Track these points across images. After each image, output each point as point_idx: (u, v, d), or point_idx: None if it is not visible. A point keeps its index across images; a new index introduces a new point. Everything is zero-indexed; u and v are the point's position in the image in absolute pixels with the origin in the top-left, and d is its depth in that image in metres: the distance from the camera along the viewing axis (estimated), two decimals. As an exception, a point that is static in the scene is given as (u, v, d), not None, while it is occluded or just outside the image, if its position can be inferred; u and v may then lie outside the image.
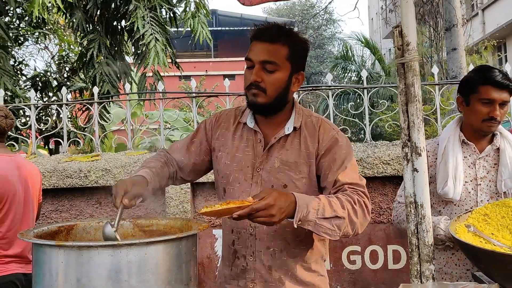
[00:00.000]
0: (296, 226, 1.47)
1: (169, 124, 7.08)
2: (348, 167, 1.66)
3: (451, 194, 2.06)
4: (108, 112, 5.54)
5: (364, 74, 3.69)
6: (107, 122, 5.02)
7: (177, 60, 6.35)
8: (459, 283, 1.26)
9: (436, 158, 2.19)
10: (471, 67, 3.82)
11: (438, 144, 2.23)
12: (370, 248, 3.38)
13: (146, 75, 5.75)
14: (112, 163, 3.54)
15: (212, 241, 3.47)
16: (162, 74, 5.87)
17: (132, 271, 1.24)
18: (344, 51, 18.07)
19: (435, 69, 3.77)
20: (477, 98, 2.10)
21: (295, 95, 3.71)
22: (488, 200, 2.06)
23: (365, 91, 3.65)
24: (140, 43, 5.32)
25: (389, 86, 3.87)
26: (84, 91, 7.47)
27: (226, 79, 3.86)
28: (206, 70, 26.63)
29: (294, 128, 1.74)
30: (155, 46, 5.14)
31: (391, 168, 3.33)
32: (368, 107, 3.59)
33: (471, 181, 2.13)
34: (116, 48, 5.86)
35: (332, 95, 3.71)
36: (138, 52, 5.69)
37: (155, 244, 1.28)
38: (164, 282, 1.29)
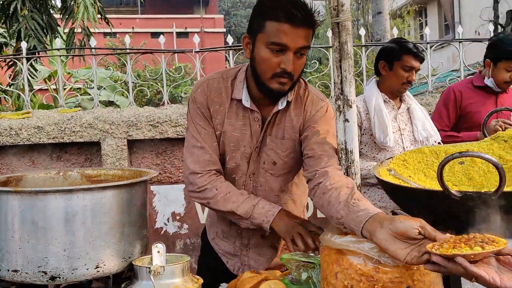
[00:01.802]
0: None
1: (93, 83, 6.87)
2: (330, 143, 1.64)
3: (389, 143, 2.50)
4: (36, 69, 5.29)
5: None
6: (34, 79, 4.81)
7: (102, 15, 6.12)
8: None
9: (367, 113, 2.59)
10: (395, 31, 4.10)
11: (364, 102, 2.63)
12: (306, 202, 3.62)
13: (75, 31, 5.53)
14: (45, 120, 3.46)
15: (150, 197, 3.55)
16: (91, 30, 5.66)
17: (88, 214, 1.32)
18: (275, 12, 18.08)
19: (362, 31, 3.99)
20: (401, 65, 2.57)
21: (231, 54, 3.77)
22: (410, 147, 2.46)
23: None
24: (67, -4, 5.10)
25: (319, 47, 4.05)
26: (4, 47, 7.02)
27: (161, 36, 3.84)
28: (133, 27, 25.60)
29: (287, 102, 1.67)
30: (83, 1, 4.94)
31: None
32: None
33: (396, 131, 2.57)
34: (41, 1, 5.54)
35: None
36: (66, 6, 5.43)
37: (110, 189, 1.36)
38: (119, 224, 1.38)
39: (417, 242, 1.11)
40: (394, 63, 2.61)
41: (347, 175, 1.59)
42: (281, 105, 1.66)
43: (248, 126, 1.68)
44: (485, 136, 1.76)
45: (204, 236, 1.97)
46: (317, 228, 1.62)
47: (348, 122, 1.58)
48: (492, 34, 4.09)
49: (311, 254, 1.55)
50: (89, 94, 8.40)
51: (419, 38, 17.41)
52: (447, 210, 1.26)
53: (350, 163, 1.58)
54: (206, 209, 3.39)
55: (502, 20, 9.84)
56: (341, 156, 1.59)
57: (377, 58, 2.72)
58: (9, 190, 1.30)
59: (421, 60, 2.63)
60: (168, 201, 3.50)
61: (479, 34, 10.63)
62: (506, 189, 1.14)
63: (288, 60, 1.51)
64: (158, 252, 1.36)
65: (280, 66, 1.52)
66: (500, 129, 2.61)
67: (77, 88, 7.52)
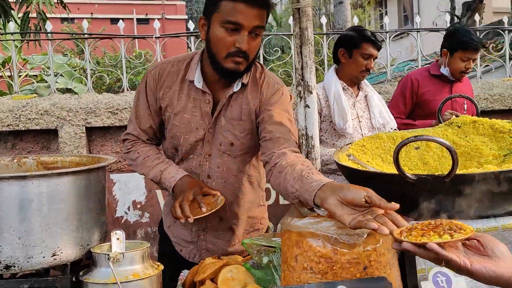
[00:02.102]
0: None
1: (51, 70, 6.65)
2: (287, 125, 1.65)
3: (348, 130, 2.54)
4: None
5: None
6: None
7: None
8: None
9: (327, 100, 2.62)
10: (356, 20, 4.15)
11: (324, 89, 2.67)
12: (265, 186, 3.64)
13: (29, 15, 5.31)
14: (-2, 106, 3.33)
15: (110, 185, 3.48)
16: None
17: (44, 201, 1.28)
18: (237, 0, 17.99)
19: (323, 20, 4.02)
20: (360, 52, 2.62)
21: (192, 40, 3.72)
22: (368, 134, 2.49)
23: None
24: (21, -22, 4.88)
25: (281, 35, 4.06)
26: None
27: (121, 21, 3.75)
28: (92, 13, 24.88)
29: (242, 84, 1.68)
30: (39, -17, 4.76)
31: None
32: (263, 55, 3.75)
33: (355, 118, 2.63)
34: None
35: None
36: (19, -11, 5.22)
37: (67, 175, 1.32)
38: (77, 211, 1.34)
39: (364, 209, 1.16)
40: (353, 51, 2.65)
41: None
42: (236, 87, 1.66)
43: (198, 108, 1.69)
44: (440, 123, 1.82)
45: (161, 226, 1.96)
46: (210, 190, 1.66)
47: (309, 108, 1.60)
48: (448, 25, 4.21)
49: (272, 239, 1.56)
50: (46, 81, 8.13)
51: (379, 28, 17.71)
52: (403, 193, 1.29)
53: (311, 148, 1.61)
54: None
55: (458, 11, 10.14)
56: (302, 142, 1.61)
57: (336, 46, 2.76)
58: (-40, 177, 1.25)
59: (379, 48, 2.68)
60: (128, 189, 3.45)
61: (436, 25, 10.90)
62: (458, 172, 1.18)
63: (243, 39, 1.52)
64: (118, 239, 1.34)
65: (235, 45, 1.53)
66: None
67: (33, 75, 7.26)
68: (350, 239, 1.21)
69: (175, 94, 1.70)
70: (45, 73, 8.55)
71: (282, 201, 3.64)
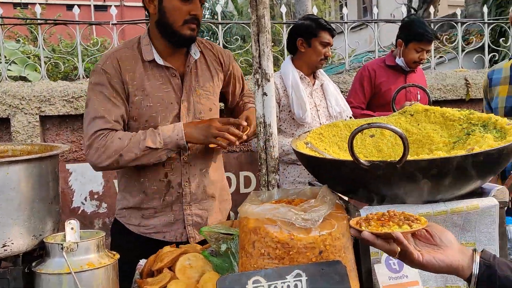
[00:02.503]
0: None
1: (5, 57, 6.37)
2: (242, 76, 2.03)
3: (308, 119, 2.58)
4: None
5: (218, 9, 3.79)
6: None
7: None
8: (298, 187, 1.51)
9: (285, 90, 2.64)
10: (315, 10, 4.18)
11: (281, 79, 2.69)
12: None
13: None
14: None
15: (66, 175, 3.39)
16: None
17: (-7, 191, 1.24)
18: (198, -13, 17.75)
19: (283, 9, 4.03)
20: (319, 41, 2.66)
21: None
22: (326, 122, 2.52)
23: (220, 26, 3.76)
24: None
25: (242, 23, 4.05)
26: None
27: (76, 6, 3.63)
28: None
29: (200, 52, 1.86)
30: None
31: (243, 101, 3.57)
32: (223, 43, 3.73)
33: (313, 107, 2.65)
34: None
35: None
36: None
37: (18, 163, 1.28)
38: (28, 200, 1.31)
39: None
40: (312, 40, 2.68)
41: (265, 148, 1.62)
42: (196, 55, 1.81)
43: (168, 83, 1.77)
44: (394, 111, 1.86)
45: (118, 229, 1.93)
46: (227, 120, 1.79)
47: (267, 95, 1.61)
48: (403, 17, 4.30)
49: (231, 227, 1.57)
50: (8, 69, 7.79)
51: (339, 19, 17.92)
52: (357, 179, 1.33)
53: (269, 136, 1.61)
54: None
55: (415, 4, 10.38)
56: (260, 130, 1.62)
57: (292, 36, 2.78)
58: None
59: (333, 35, 2.74)
60: (85, 179, 3.37)
61: (394, 17, 11.13)
62: (409, 158, 1.22)
63: (197, 7, 1.69)
64: (72, 228, 1.31)
65: (190, 13, 1.69)
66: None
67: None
68: (306, 224, 1.23)
69: (142, 76, 1.74)
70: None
71: (242, 189, 3.66)
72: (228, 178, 3.65)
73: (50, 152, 1.39)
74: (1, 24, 3.54)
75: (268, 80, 1.60)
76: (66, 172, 3.40)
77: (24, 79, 7.55)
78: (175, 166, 1.83)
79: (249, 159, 3.64)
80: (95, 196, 3.37)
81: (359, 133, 1.64)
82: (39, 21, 3.54)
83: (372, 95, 3.18)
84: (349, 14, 4.16)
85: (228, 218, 2.13)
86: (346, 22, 4.10)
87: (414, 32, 3.05)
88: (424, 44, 3.05)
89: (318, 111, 2.70)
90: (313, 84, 2.76)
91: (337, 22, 4.05)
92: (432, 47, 4.27)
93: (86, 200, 3.36)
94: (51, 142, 3.34)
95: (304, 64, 2.74)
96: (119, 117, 1.74)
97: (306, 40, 2.71)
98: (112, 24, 3.49)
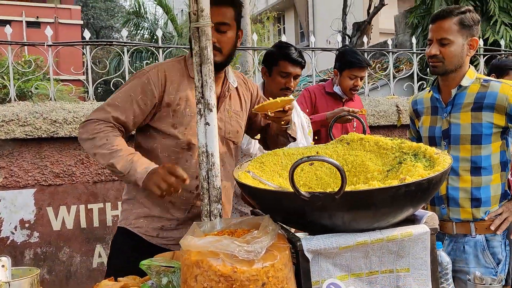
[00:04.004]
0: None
1: None
2: None
3: (251, 150, 2.50)
4: None
5: (159, 33, 3.77)
6: None
7: None
8: (241, 217, 1.52)
9: None
10: (255, 35, 4.27)
11: None
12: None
13: None
14: None
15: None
16: None
17: None
18: (137, 7, 17.61)
19: (224, 35, 4.08)
20: (278, 70, 2.56)
21: (88, 49, 3.57)
22: None
23: (161, 50, 3.75)
24: None
25: (183, 48, 4.06)
26: None
27: (8, 26, 3.48)
28: (-26, 13, 22.76)
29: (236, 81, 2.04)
30: None
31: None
32: (163, 66, 3.70)
33: None
34: None
35: (127, 51, 3.71)
36: None
37: None
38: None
39: None
40: (273, 68, 2.58)
41: (207, 178, 1.62)
42: (234, 83, 2.02)
43: None
44: (332, 139, 1.93)
45: (124, 239, 1.94)
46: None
47: (209, 125, 1.62)
48: (340, 44, 4.50)
49: (172, 260, 1.54)
50: None
51: (277, 43, 18.32)
52: (298, 209, 1.36)
53: (211, 165, 1.62)
54: (95, 213, 3.21)
55: (349, 31, 10.86)
56: (202, 159, 1.62)
57: (262, 62, 2.72)
58: None
59: (301, 66, 2.58)
60: (15, 207, 3.19)
61: (329, 43, 11.58)
62: (347, 188, 1.27)
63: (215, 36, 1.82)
64: (3, 266, 1.24)
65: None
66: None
67: None
68: (249, 256, 1.24)
69: (186, 88, 1.90)
70: None
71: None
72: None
73: (-21, 186, 1.31)
74: None
75: (211, 110, 1.61)
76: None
77: None
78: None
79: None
80: (26, 225, 3.20)
81: (299, 163, 1.68)
82: (-34, 41, 3.36)
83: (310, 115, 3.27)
84: (287, 40, 4.28)
85: None
86: (285, 49, 4.19)
87: (346, 61, 3.21)
88: (356, 71, 3.20)
89: None
90: None
91: (263, 48, 4.15)
92: (366, 74, 4.49)
93: (16, 230, 3.18)
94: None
95: (267, 92, 2.61)
96: (131, 119, 1.85)
97: (268, 68, 2.62)
98: (47, 45, 3.37)
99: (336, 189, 1.27)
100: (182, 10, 27.44)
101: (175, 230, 1.94)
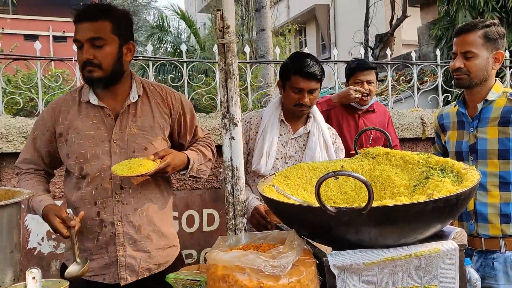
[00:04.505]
0: (188, 176, 1.95)
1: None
2: (197, 124, 2.09)
3: (262, 171, 2.31)
4: None
5: (183, 48, 3.83)
6: None
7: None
8: (266, 231, 1.52)
9: (257, 133, 2.39)
10: (277, 48, 4.29)
11: (261, 118, 2.42)
12: (187, 213, 3.61)
13: None
14: None
15: (22, 215, 3.26)
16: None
17: (-50, 242, 1.19)
18: (160, 21, 17.91)
19: (247, 48, 4.12)
20: (290, 85, 2.31)
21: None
22: None
23: (185, 64, 3.80)
24: None
25: (207, 62, 4.11)
26: None
27: (37, 42, 3.59)
28: (3, 28, 23.50)
29: (139, 95, 1.92)
30: None
31: (207, 138, 3.58)
32: (188, 80, 3.76)
33: (281, 158, 2.38)
34: None
35: (153, 65, 3.78)
36: None
37: (-22, 212, 1.24)
38: (-12, 251, 1.26)
39: None
40: (286, 83, 2.35)
41: (232, 192, 1.64)
42: (133, 98, 1.91)
43: (101, 122, 1.88)
44: (356, 153, 1.92)
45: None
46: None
47: (234, 139, 1.63)
48: (363, 56, 4.49)
49: (197, 272, 1.55)
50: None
51: (299, 56, 18.35)
52: (324, 225, 1.35)
53: (236, 179, 1.63)
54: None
55: (371, 43, 10.83)
56: (227, 173, 1.64)
57: (279, 75, 2.50)
58: None
59: (316, 79, 2.29)
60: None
61: (351, 55, 11.55)
62: (374, 204, 1.26)
63: (84, 52, 1.78)
64: (33, 278, 1.27)
65: (83, 59, 1.79)
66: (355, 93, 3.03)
67: None
68: (275, 271, 1.23)
69: (75, 115, 1.89)
70: None
71: (206, 227, 3.63)
72: (191, 216, 3.62)
73: (12, 199, 1.35)
74: (-43, 58, 3.45)
75: (236, 125, 1.63)
76: (22, 211, 3.28)
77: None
78: (107, 205, 1.85)
79: (213, 197, 3.63)
80: (53, 236, 3.26)
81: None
82: (-2, 56, 3.47)
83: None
84: (309, 50, 4.29)
85: (181, 260, 2.13)
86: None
87: (349, 69, 3.22)
88: (359, 75, 3.14)
89: (286, 163, 2.36)
90: (295, 132, 2.40)
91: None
92: (390, 86, 4.46)
93: (43, 241, 3.24)
94: (7, 180, 3.23)
95: (284, 108, 2.41)
96: (38, 158, 1.95)
97: (282, 82, 2.38)
98: (74, 60, 3.46)
99: (363, 205, 1.26)
100: (204, 24, 27.80)
101: (92, 261, 1.86)
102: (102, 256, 1.86)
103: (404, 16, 10.26)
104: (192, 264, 3.44)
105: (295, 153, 2.40)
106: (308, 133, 2.41)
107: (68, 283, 1.32)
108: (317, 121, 2.44)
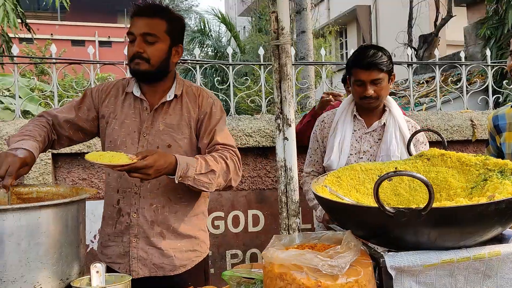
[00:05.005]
0: (177, 182, 1.71)
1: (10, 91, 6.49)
2: (221, 130, 1.93)
3: (334, 166, 2.29)
4: None
5: (229, 51, 3.89)
6: None
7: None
8: (320, 231, 1.52)
9: (331, 129, 2.41)
10: (322, 50, 4.28)
11: (335, 117, 2.43)
12: (233, 213, 3.65)
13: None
14: (-41, 131, 3.21)
15: (75, 212, 3.38)
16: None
17: (24, 235, 1.26)
18: (202, 26, 18.17)
19: (292, 51, 4.13)
20: (353, 80, 2.30)
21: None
22: None
23: (230, 67, 3.85)
24: (-15, 0, 4.76)
25: (253, 64, 4.14)
26: None
27: (90, 46, 3.73)
28: (52, 34, 24.45)
29: (175, 95, 1.94)
30: (4, 5, 4.66)
31: (252, 140, 3.62)
32: (233, 83, 3.81)
33: (355, 153, 2.36)
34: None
35: (200, 68, 3.85)
36: (-18, 10, 5.08)
37: (49, 207, 1.30)
38: (57, 245, 1.32)
39: None
40: (350, 78, 2.35)
41: (286, 192, 1.65)
42: (169, 97, 1.93)
43: (138, 114, 1.92)
44: (410, 155, 1.89)
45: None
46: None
47: (288, 140, 1.65)
48: (409, 57, 4.41)
49: (252, 270, 1.57)
50: (2, 103, 7.91)
51: (339, 58, 18.25)
52: (381, 225, 1.34)
53: (289, 180, 1.64)
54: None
55: (415, 44, 10.61)
56: (281, 173, 1.65)
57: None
58: None
59: (378, 68, 2.21)
60: (95, 217, 3.36)
61: (395, 56, 11.35)
62: (433, 205, 1.24)
63: (136, 45, 1.82)
64: (97, 272, 1.32)
65: (133, 51, 1.83)
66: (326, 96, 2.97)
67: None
68: (333, 271, 1.24)
69: (119, 103, 1.95)
70: (1, 94, 8.29)
71: (251, 228, 3.66)
72: (236, 216, 3.66)
73: (79, 196, 1.41)
74: (16, 63, 3.63)
75: (290, 126, 1.64)
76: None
77: (27, 113, 7.65)
78: (126, 195, 1.90)
79: (258, 198, 3.66)
80: (104, 234, 3.37)
81: (377, 177, 1.66)
82: (54, 61, 3.62)
83: None
84: (349, 52, 4.25)
85: (202, 267, 2.01)
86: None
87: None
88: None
89: (360, 158, 2.34)
90: (369, 126, 2.37)
91: (335, 63, 4.14)
92: (438, 87, 4.36)
93: (95, 238, 3.35)
94: (62, 180, 3.36)
95: (356, 102, 2.40)
96: (62, 119, 1.92)
97: (348, 78, 2.39)
98: (126, 64, 3.57)
99: (422, 206, 1.25)
100: (244, 27, 28.00)
101: (108, 248, 1.93)
102: (118, 244, 1.91)
103: (450, 15, 10.00)
104: (238, 264, 3.47)
105: (370, 147, 2.36)
106: (383, 126, 2.37)
107: (131, 277, 1.37)
108: (393, 114, 2.38)
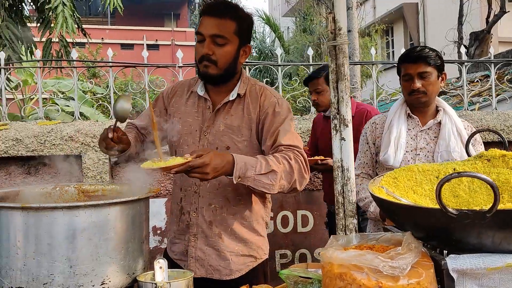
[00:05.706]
0: (235, 182, 1.64)
1: (65, 93, 6.78)
2: (285, 130, 1.83)
3: (391, 162, 2.30)
4: (10, 80, 5.17)
5: (278, 52, 3.91)
6: (11, 91, 4.71)
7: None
8: (378, 233, 1.51)
9: (383, 130, 2.42)
10: (373, 49, 4.23)
11: (387, 117, 2.44)
12: (282, 213, 3.67)
13: (52, 41, 5.44)
14: (24, 132, 3.40)
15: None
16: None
17: (95, 231, 1.32)
18: (246, 27, 18.27)
19: (340, 50, 4.10)
20: (401, 76, 2.34)
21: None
22: None
23: (280, 68, 3.88)
24: (46, 7, 5.00)
25: (302, 65, 4.15)
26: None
27: (145, 50, 3.85)
28: (102, 38, 25.29)
29: (238, 95, 1.89)
30: (62, 11, 4.88)
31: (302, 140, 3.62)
32: (282, 83, 3.83)
33: (411, 151, 2.36)
34: (16, 11, 5.43)
35: (249, 69, 3.90)
36: (43, 16, 5.34)
37: (117, 205, 1.37)
38: (125, 240, 1.38)
39: None
40: (400, 76, 2.38)
41: (343, 192, 1.65)
42: (232, 96, 1.89)
43: (200, 113, 1.92)
44: (469, 155, 1.85)
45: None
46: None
47: (345, 140, 1.64)
48: (462, 55, 4.29)
49: (309, 270, 1.59)
50: (57, 104, 8.28)
51: (385, 57, 17.91)
52: (442, 227, 1.33)
53: (346, 180, 1.64)
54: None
55: (466, 41, 10.27)
56: (338, 174, 1.65)
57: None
58: (15, 206, 1.29)
59: (424, 61, 2.24)
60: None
61: (444, 54, 11.03)
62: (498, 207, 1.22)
63: (205, 46, 1.78)
64: (160, 267, 1.37)
65: (202, 52, 1.79)
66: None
67: (44, 98, 7.39)
68: (394, 272, 1.23)
69: (183, 102, 1.97)
70: (56, 97, 8.68)
71: (300, 228, 3.67)
72: (285, 217, 3.68)
73: (144, 194, 1.47)
74: (75, 67, 3.79)
75: (347, 126, 1.64)
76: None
77: (81, 115, 7.99)
78: (188, 193, 1.90)
79: (307, 198, 3.66)
80: (158, 232, 3.47)
81: (436, 179, 1.63)
82: (110, 64, 3.76)
83: None
84: (396, 51, 4.17)
85: (257, 274, 1.95)
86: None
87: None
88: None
89: (417, 155, 2.34)
90: (424, 124, 2.38)
91: (385, 63, 4.07)
92: (493, 86, 4.21)
93: (149, 235, 3.46)
94: (118, 178, 3.49)
95: (408, 102, 2.41)
96: (139, 127, 2.02)
97: (399, 76, 2.40)
98: (178, 66, 3.67)
99: (486, 207, 1.22)
100: (288, 28, 27.95)
101: (175, 244, 1.95)
102: (181, 242, 1.93)
103: (503, 11, 9.61)
104: (287, 264, 3.49)
105: (427, 144, 2.36)
106: (439, 123, 2.38)
107: (193, 273, 1.41)
108: (448, 113, 2.39)
